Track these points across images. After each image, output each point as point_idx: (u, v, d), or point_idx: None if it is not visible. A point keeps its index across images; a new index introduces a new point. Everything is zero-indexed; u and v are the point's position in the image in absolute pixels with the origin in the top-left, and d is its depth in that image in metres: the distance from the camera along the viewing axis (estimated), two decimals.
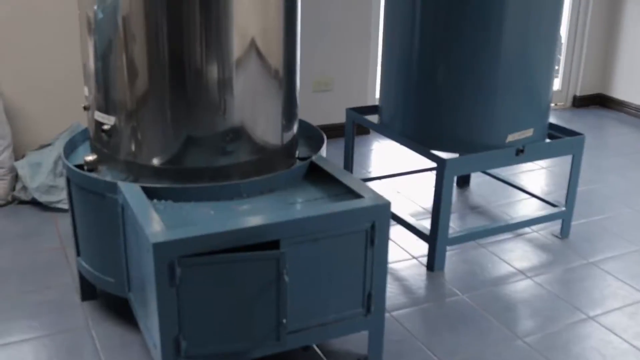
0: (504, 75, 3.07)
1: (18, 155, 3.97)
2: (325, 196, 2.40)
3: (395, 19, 3.31)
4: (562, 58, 6.04)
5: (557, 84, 6.08)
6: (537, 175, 4.46)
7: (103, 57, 2.44)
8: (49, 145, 3.91)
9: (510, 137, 3.13)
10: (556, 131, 3.46)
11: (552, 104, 4.58)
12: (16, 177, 3.78)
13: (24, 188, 3.72)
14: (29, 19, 3.93)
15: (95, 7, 2.39)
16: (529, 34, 3.10)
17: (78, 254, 2.73)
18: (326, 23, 4.76)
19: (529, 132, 3.18)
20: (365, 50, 4.97)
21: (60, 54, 3.99)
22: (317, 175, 2.56)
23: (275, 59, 2.49)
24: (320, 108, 4.86)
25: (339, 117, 4.54)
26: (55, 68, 4.04)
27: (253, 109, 2.47)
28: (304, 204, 2.35)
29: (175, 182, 2.41)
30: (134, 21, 2.30)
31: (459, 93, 3.09)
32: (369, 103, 5.06)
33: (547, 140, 3.38)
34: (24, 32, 3.95)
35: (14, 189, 3.78)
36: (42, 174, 3.69)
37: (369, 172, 4.42)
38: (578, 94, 6.17)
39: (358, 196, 2.31)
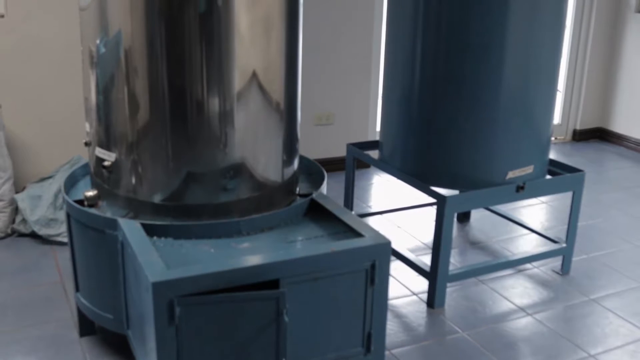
0: (504, 112, 3.08)
1: (18, 187, 3.97)
2: (325, 234, 2.39)
3: (396, 55, 3.32)
4: (561, 92, 6.06)
5: (557, 118, 6.10)
6: (537, 210, 4.45)
7: (104, 91, 2.45)
8: (49, 177, 3.91)
9: (511, 174, 3.13)
10: (556, 167, 3.47)
11: (552, 138, 4.60)
12: (16, 210, 3.78)
13: (24, 221, 3.72)
14: (32, 51, 3.96)
15: (98, 42, 2.40)
16: (529, 71, 3.12)
17: (77, 289, 2.72)
18: (328, 57, 4.79)
19: (529, 169, 3.19)
20: (366, 85, 5.00)
21: (62, 87, 4.01)
22: (317, 212, 2.55)
23: (277, 94, 2.50)
24: (321, 142, 4.88)
25: (340, 151, 4.55)
26: (57, 101, 4.06)
27: (254, 143, 2.48)
28: (304, 242, 2.35)
29: (176, 218, 2.41)
30: (136, 55, 2.31)
31: (459, 129, 3.10)
32: (370, 137, 5.08)
33: (548, 177, 3.38)
34: (27, 65, 3.97)
35: (13, 221, 3.78)
36: (42, 207, 3.69)
37: (370, 207, 4.42)
38: (578, 127, 6.18)
39: (358, 235, 2.31)
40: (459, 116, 3.10)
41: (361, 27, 4.88)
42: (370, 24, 4.90)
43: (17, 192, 3.87)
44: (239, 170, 2.45)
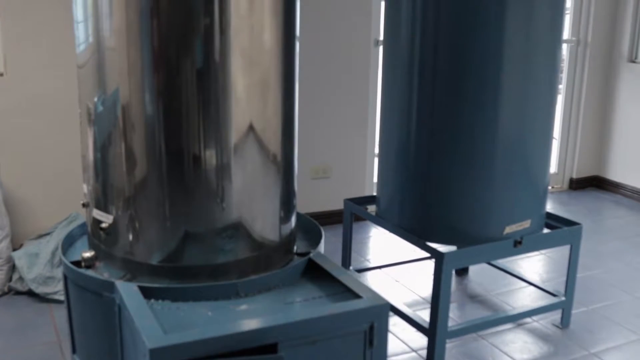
0: (500, 165, 3.10)
1: (16, 244, 3.97)
2: (323, 295, 2.39)
3: (391, 108, 3.35)
4: (557, 140, 6.10)
5: (553, 167, 6.13)
6: (535, 261, 4.45)
7: (102, 149, 2.46)
8: (47, 234, 3.91)
9: (508, 229, 3.13)
10: (553, 220, 3.47)
11: (549, 187, 4.62)
12: (13, 268, 3.77)
13: (21, 279, 3.71)
14: (31, 109, 3.99)
15: (95, 99, 2.42)
16: (524, 123, 3.14)
17: (74, 351, 2.70)
18: (324, 110, 4.83)
19: (526, 224, 3.19)
20: (363, 137, 5.03)
21: (60, 144, 4.04)
22: (315, 272, 2.55)
23: (273, 150, 2.51)
24: (318, 195, 4.89)
25: (338, 204, 4.55)
26: (54, 158, 4.07)
27: (251, 200, 2.48)
28: (302, 304, 2.34)
29: (173, 280, 2.40)
30: (133, 113, 2.33)
31: (456, 184, 3.11)
32: (368, 189, 5.09)
33: (545, 231, 3.39)
34: (25, 122, 4.00)
35: (10, 279, 3.76)
36: (40, 264, 3.68)
37: (368, 260, 4.41)
38: (574, 176, 6.21)
39: (356, 296, 2.30)
40: (456, 170, 3.11)
41: (357, 79, 4.93)
42: (366, 77, 4.95)
43: (14, 250, 3.86)
44: (237, 228, 2.45)
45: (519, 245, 3.15)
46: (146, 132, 2.34)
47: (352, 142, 5.00)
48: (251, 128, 2.39)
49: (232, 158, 2.38)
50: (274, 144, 2.51)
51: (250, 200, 2.47)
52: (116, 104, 2.35)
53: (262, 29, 2.31)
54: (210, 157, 2.35)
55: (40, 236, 3.93)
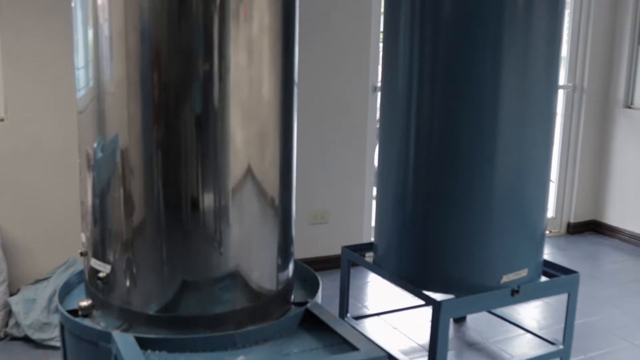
0: (497, 213, 3.11)
1: (13, 289, 3.96)
2: (320, 346, 2.38)
3: (389, 157, 3.37)
4: (555, 185, 6.12)
5: (551, 211, 6.14)
6: (533, 308, 4.44)
7: (101, 195, 2.47)
8: (44, 280, 3.91)
9: (505, 278, 3.14)
10: (551, 268, 3.47)
11: (547, 231, 4.63)
12: (10, 313, 3.76)
13: (17, 324, 3.70)
14: (30, 154, 4.02)
15: (95, 145, 2.43)
16: (520, 171, 3.16)
17: None
18: (323, 156, 4.86)
19: (523, 272, 3.19)
20: (361, 183, 5.06)
21: (59, 189, 4.06)
22: (313, 322, 2.54)
23: (272, 196, 2.52)
24: (317, 240, 4.89)
25: (336, 249, 4.55)
26: (53, 203, 4.09)
27: (249, 246, 2.47)
28: (299, 355, 2.33)
29: (170, 330, 2.39)
30: (132, 159, 2.34)
31: (453, 233, 3.12)
32: (366, 234, 5.10)
33: (543, 279, 3.39)
34: (25, 167, 4.02)
35: (7, 324, 3.75)
36: (36, 310, 3.67)
37: (366, 307, 4.40)
38: (572, 220, 6.22)
39: (354, 348, 2.29)
40: (452, 218, 3.12)
41: (355, 125, 4.97)
42: (364, 123, 5.00)
43: (11, 295, 3.86)
44: (234, 277, 2.44)
45: (517, 294, 3.15)
46: (145, 179, 2.35)
47: (351, 188, 5.03)
48: (249, 176, 2.41)
49: (230, 205, 2.38)
50: (272, 192, 2.52)
51: (248, 247, 2.47)
52: (115, 150, 2.37)
53: (261, 82, 2.34)
54: (208, 204, 2.36)
55: (38, 281, 3.93)
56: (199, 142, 2.29)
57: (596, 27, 5.94)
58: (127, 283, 2.44)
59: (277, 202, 2.54)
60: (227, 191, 2.37)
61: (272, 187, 2.52)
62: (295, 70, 2.52)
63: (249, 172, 2.40)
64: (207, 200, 2.35)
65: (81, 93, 2.46)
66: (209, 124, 2.28)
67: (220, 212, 2.38)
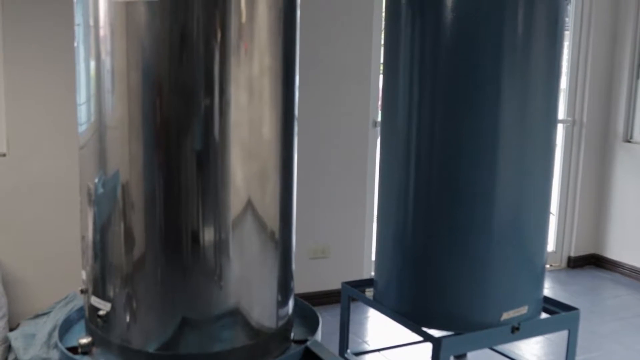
0: (498, 252, 3.11)
1: (13, 324, 3.96)
2: None
3: (389, 192, 3.38)
4: (555, 218, 6.13)
5: (551, 245, 6.14)
6: (533, 344, 4.42)
7: (101, 230, 2.48)
8: (44, 314, 3.90)
9: (505, 315, 3.13)
10: (551, 304, 3.47)
11: (547, 265, 4.64)
12: (9, 348, 3.75)
13: (17, 359, 3.69)
14: (31, 189, 4.04)
15: (96, 180, 2.44)
16: (521, 210, 3.17)
17: None
18: (323, 191, 4.88)
19: (523, 309, 3.19)
20: (362, 218, 5.07)
21: (60, 224, 4.07)
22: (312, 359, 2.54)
23: (272, 233, 2.52)
24: (317, 275, 4.89)
25: (337, 284, 4.55)
26: (54, 238, 4.10)
27: (249, 283, 2.47)
28: None
29: None
30: (132, 194, 2.35)
31: (453, 270, 3.12)
32: (366, 269, 5.10)
33: (543, 316, 3.38)
34: (26, 202, 4.04)
35: (6, 359, 3.74)
36: (36, 345, 3.66)
37: (366, 342, 4.39)
38: (572, 254, 6.22)
39: None
40: (452, 255, 3.13)
41: (356, 160, 5.00)
42: (364, 157, 5.02)
43: (11, 330, 3.85)
44: (234, 314, 2.44)
45: (517, 331, 3.14)
46: (145, 215, 2.36)
47: (351, 222, 5.04)
48: (249, 212, 2.42)
49: (230, 242, 2.39)
50: (272, 228, 2.53)
51: (248, 284, 2.47)
52: (116, 186, 2.38)
53: (262, 121, 2.36)
54: (208, 241, 2.36)
55: (38, 316, 3.92)
56: (200, 180, 2.31)
57: (595, 61, 5.98)
58: (127, 321, 2.44)
59: (277, 238, 2.55)
60: (227, 228, 2.38)
61: (273, 223, 2.53)
62: (296, 109, 2.54)
63: (249, 208, 2.42)
64: (208, 236, 2.36)
65: (82, 128, 2.48)
66: (209, 162, 2.30)
67: (221, 249, 2.39)
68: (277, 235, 2.55)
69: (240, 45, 2.25)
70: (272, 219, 2.52)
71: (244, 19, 2.25)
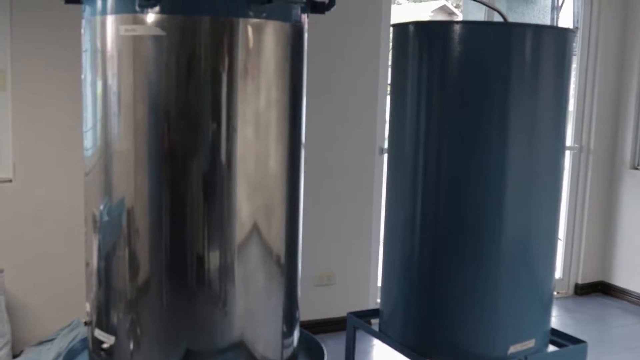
0: (505, 284, 3.08)
1: (16, 350, 3.94)
2: None
3: (395, 220, 3.36)
4: (562, 245, 6.10)
5: (558, 272, 6.10)
6: None
7: (106, 256, 2.47)
8: (48, 341, 3.89)
9: (512, 348, 3.10)
10: (558, 337, 3.44)
11: (555, 293, 4.60)
12: None
13: None
14: (37, 215, 4.04)
15: (102, 206, 2.44)
16: (529, 240, 3.14)
17: None
18: (329, 218, 4.87)
19: (530, 343, 3.16)
20: (368, 245, 5.05)
21: (65, 251, 4.06)
22: None
23: (277, 265, 2.52)
24: (322, 302, 4.87)
25: (342, 311, 4.53)
26: (58, 264, 4.10)
27: (255, 312, 2.46)
28: None
29: None
30: (137, 221, 2.35)
31: (460, 302, 3.09)
32: (372, 297, 5.08)
33: (550, 348, 3.35)
34: (31, 229, 4.03)
35: None
36: None
37: None
38: (579, 282, 6.18)
39: None
40: (460, 287, 3.10)
41: (362, 187, 4.99)
42: (370, 184, 5.01)
43: (14, 357, 3.84)
44: (239, 345, 2.43)
45: None
46: (150, 243, 2.36)
47: (357, 249, 5.02)
48: (255, 243, 2.41)
49: (235, 271, 2.38)
50: (278, 259, 2.52)
51: (253, 314, 2.46)
52: (122, 213, 2.38)
53: (268, 155, 2.36)
54: (214, 270, 2.36)
55: (41, 343, 3.91)
56: (205, 212, 2.31)
57: (602, 88, 5.98)
58: (131, 353, 2.43)
59: (282, 268, 2.54)
60: (232, 257, 2.37)
61: (278, 253, 2.52)
62: (302, 141, 2.54)
63: (254, 238, 2.41)
64: (213, 265, 2.36)
65: (88, 154, 2.48)
66: (215, 195, 2.30)
67: (226, 279, 2.38)
68: (282, 266, 2.54)
69: (247, 79, 2.25)
70: (278, 249, 2.52)
71: (251, 53, 2.25)
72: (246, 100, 2.25)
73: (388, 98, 4.12)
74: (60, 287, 4.10)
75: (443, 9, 15.18)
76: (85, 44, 2.39)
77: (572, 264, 6.18)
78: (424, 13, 15.91)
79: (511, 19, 3.44)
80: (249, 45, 2.24)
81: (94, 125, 2.41)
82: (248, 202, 2.36)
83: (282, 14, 2.31)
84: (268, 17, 2.25)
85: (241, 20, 2.21)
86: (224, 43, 2.21)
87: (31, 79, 4.00)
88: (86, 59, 2.39)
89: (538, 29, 3.21)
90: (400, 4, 16.00)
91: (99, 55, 2.32)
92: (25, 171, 4.01)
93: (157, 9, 2.16)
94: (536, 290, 3.21)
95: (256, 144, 2.32)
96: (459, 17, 12.92)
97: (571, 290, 6.22)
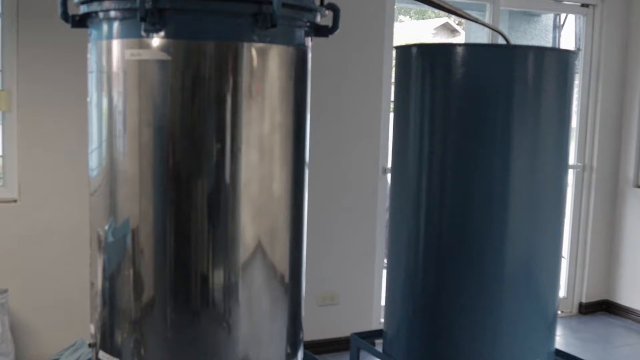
0: (509, 305, 3.09)
1: None
2: None
3: (399, 241, 3.37)
4: (566, 264, 6.09)
5: (562, 291, 6.09)
6: None
7: (111, 276, 2.47)
8: None
9: None
10: (562, 357, 3.43)
11: (559, 312, 4.60)
12: None
13: None
14: (42, 236, 4.05)
15: (107, 227, 2.45)
16: (532, 259, 3.15)
17: None
18: (333, 238, 4.87)
19: None
20: (371, 265, 5.05)
21: (69, 271, 4.06)
22: None
23: (282, 281, 2.52)
24: (326, 322, 4.86)
25: (346, 331, 4.53)
26: (63, 285, 4.10)
27: (259, 334, 2.46)
28: None
29: None
30: (142, 241, 2.35)
31: (463, 323, 3.10)
32: (375, 317, 5.07)
33: None
34: (36, 249, 4.04)
35: None
36: None
37: None
38: (584, 300, 6.16)
39: None
40: (464, 307, 3.10)
41: (365, 207, 5.00)
42: (374, 204, 5.02)
43: None
44: None
45: None
46: (155, 264, 2.36)
47: (360, 269, 5.02)
48: (259, 265, 2.41)
49: (239, 293, 2.37)
50: (282, 280, 2.52)
51: (257, 335, 2.45)
52: (126, 233, 2.38)
53: (272, 179, 2.37)
54: (218, 294, 2.35)
55: None
56: (210, 234, 2.31)
57: (604, 107, 5.99)
58: None
59: (287, 290, 2.54)
60: (236, 279, 2.37)
61: (282, 275, 2.52)
62: (306, 164, 2.54)
63: (259, 261, 2.41)
64: (217, 290, 2.36)
65: (93, 174, 2.48)
66: (219, 219, 2.30)
67: (231, 302, 2.38)
68: (286, 287, 2.54)
69: (252, 103, 2.26)
70: (282, 271, 2.51)
71: (255, 76, 2.26)
72: (250, 124, 2.26)
73: (391, 116, 4.15)
74: (64, 307, 4.10)
75: (445, 26, 15.21)
76: (92, 65, 2.40)
77: (576, 282, 6.16)
78: (427, 30, 15.96)
79: (513, 37, 3.47)
80: (253, 69, 2.25)
81: (99, 145, 2.42)
82: (252, 224, 2.36)
83: (286, 38, 2.32)
84: (272, 42, 2.26)
85: (245, 44, 2.22)
86: (228, 67, 2.22)
87: (37, 100, 4.03)
88: (92, 81, 2.41)
89: (540, 51, 3.24)
90: (402, 21, 16.06)
91: (105, 77, 2.33)
92: (30, 191, 4.02)
93: (162, 33, 2.17)
94: (540, 310, 3.21)
95: (260, 167, 2.33)
96: (462, 35, 12.96)
97: (575, 309, 6.20)
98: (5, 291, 3.96)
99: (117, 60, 2.28)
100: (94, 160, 2.47)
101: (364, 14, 4.85)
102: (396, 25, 5.33)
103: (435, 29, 15.60)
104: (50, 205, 4.06)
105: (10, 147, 4.04)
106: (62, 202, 4.07)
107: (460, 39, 14.07)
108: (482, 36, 6.21)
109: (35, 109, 4.03)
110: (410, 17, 16.60)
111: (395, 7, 5.13)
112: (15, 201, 4.03)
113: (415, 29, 16.68)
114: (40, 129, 4.05)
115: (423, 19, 16.25)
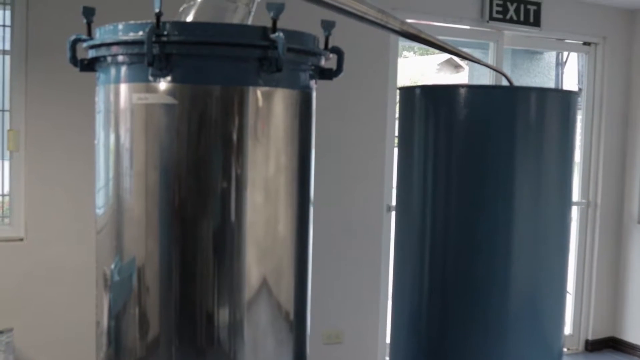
0: (514, 339, 3.08)
1: None
2: None
3: (403, 279, 3.37)
4: (571, 301, 6.06)
5: (568, 328, 6.06)
6: None
7: (117, 315, 2.48)
8: None
9: None
10: None
11: (565, 349, 4.58)
12: None
13: None
14: (47, 274, 4.05)
15: (113, 265, 2.46)
16: (538, 296, 3.14)
17: None
18: (337, 276, 4.87)
19: None
20: (376, 303, 5.04)
21: (76, 310, 4.06)
22: None
23: (287, 321, 2.52)
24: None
25: None
26: (69, 323, 4.09)
27: None
28: None
29: None
30: (148, 279, 2.36)
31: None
32: (380, 355, 5.05)
33: None
34: (42, 287, 4.05)
35: None
36: None
37: None
38: (590, 337, 6.13)
39: None
40: (469, 343, 3.09)
41: (369, 245, 5.00)
42: (378, 242, 5.03)
43: None
44: None
45: None
46: (160, 304, 2.37)
47: (365, 307, 5.01)
48: (264, 307, 2.42)
49: (245, 333, 2.38)
50: (287, 319, 2.52)
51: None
52: (132, 272, 2.39)
53: (277, 221, 2.39)
54: (224, 333, 2.36)
55: None
56: (215, 274, 2.33)
57: (607, 144, 6.01)
58: None
59: (292, 328, 2.54)
60: (242, 322, 2.37)
61: (287, 313, 2.53)
62: (311, 205, 2.56)
63: (264, 300, 2.42)
64: (223, 328, 2.36)
65: (100, 212, 2.50)
66: (224, 262, 2.32)
67: (236, 341, 2.38)
68: (292, 325, 2.55)
69: (257, 146, 2.29)
70: (287, 309, 2.52)
71: (260, 120, 2.29)
72: (256, 166, 2.29)
73: (395, 152, 4.16)
74: (69, 346, 4.09)
75: (449, 62, 15.33)
76: (99, 107, 2.44)
77: (582, 319, 6.13)
78: (431, 66, 16.08)
79: (516, 74, 3.51)
80: (258, 113, 2.28)
81: (106, 184, 2.44)
82: (257, 264, 2.38)
83: (291, 82, 2.35)
84: (277, 85, 2.29)
85: (251, 88, 2.25)
86: (234, 111, 2.25)
87: (45, 140, 4.06)
88: (99, 122, 2.44)
89: (542, 92, 3.27)
90: (407, 57, 16.19)
91: (112, 119, 2.36)
92: (36, 230, 4.04)
93: (169, 78, 2.21)
94: (545, 348, 3.20)
95: (265, 208, 2.35)
96: (465, 70, 13.05)
97: (581, 347, 6.16)
98: (11, 330, 3.95)
99: (124, 104, 2.32)
100: (101, 198, 2.49)
101: (368, 54, 4.90)
102: (400, 61, 5.38)
103: (439, 64, 15.72)
104: (56, 244, 4.07)
105: (17, 186, 4.07)
106: (68, 241, 4.08)
107: (464, 74, 14.16)
108: (485, 73, 6.25)
109: (42, 148, 4.06)
110: (415, 52, 16.75)
111: (399, 44, 5.19)
112: (21, 240, 4.04)
113: (420, 64, 16.82)
114: (47, 168, 4.08)
115: (427, 54, 16.39)
